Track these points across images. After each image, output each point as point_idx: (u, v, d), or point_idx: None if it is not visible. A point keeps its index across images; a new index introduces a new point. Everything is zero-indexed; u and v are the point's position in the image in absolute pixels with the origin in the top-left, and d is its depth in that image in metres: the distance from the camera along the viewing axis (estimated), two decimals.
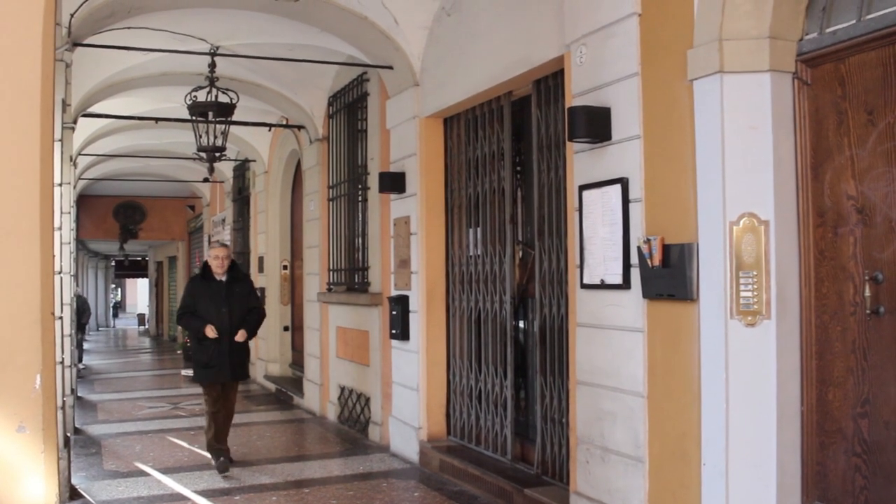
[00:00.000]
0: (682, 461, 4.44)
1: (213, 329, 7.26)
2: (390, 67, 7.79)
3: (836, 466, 4.05)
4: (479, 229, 7.05)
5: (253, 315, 7.64)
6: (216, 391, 7.53)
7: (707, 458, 4.27)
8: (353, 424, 9.20)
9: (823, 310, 4.12)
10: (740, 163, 4.15)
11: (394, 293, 7.95)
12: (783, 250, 4.14)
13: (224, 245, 7.90)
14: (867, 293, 3.86)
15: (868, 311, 3.86)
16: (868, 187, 3.89)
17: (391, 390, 8.11)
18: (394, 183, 7.71)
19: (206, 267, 7.64)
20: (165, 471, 7.49)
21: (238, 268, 7.86)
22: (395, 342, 7.94)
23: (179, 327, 18.27)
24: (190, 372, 14.76)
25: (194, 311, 7.46)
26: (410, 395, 7.67)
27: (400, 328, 7.68)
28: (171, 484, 7.01)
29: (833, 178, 4.06)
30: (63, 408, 6.64)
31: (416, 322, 7.55)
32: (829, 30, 4.10)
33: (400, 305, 7.69)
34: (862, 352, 3.92)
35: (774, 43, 4.16)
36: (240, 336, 7.33)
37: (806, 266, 4.18)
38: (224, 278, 7.54)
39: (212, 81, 8.57)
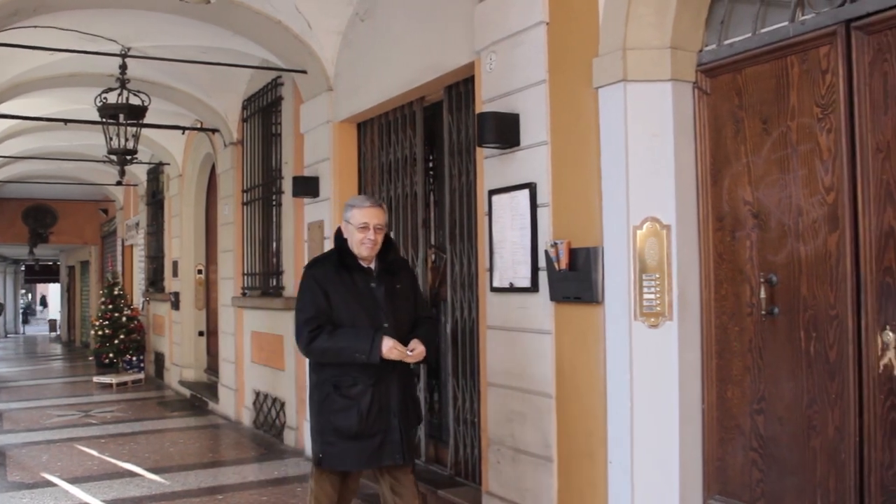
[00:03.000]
0: (589, 460, 4.54)
1: (397, 345, 4.06)
2: (304, 72, 7.76)
3: (735, 461, 4.20)
4: (391, 233, 7.06)
5: (426, 329, 4.38)
6: (355, 484, 4.42)
7: (613, 457, 4.38)
8: (269, 429, 9.12)
9: (722, 311, 4.27)
10: (643, 169, 4.27)
11: None
12: (684, 254, 4.27)
13: (380, 205, 4.34)
14: (762, 295, 4.01)
15: (763, 312, 4.02)
16: (763, 193, 4.05)
17: (306, 395, 8.05)
18: (307, 187, 7.68)
19: (341, 244, 4.27)
20: (74, 481, 7.30)
21: (395, 248, 4.56)
22: None
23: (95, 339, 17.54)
24: (106, 379, 14.37)
25: (331, 321, 4.14)
26: None
27: None
28: (80, 494, 6.84)
29: (731, 184, 4.21)
30: None
31: None
32: (726, 42, 4.25)
33: None
34: (758, 351, 4.08)
35: (675, 53, 4.29)
36: (415, 347, 4.11)
37: (706, 269, 4.32)
38: (374, 266, 4.31)
39: (122, 83, 8.43)
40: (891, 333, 3.46)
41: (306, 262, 7.87)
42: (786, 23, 3.92)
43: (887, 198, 3.50)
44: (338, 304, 4.13)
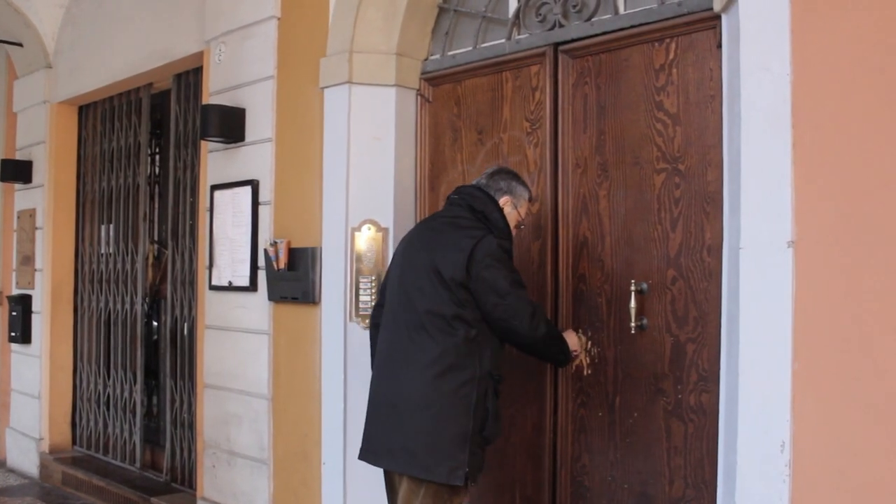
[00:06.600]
0: (304, 461, 4.51)
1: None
2: (20, 44, 7.16)
3: None
4: (112, 226, 6.70)
5: None
6: None
7: (327, 458, 4.38)
8: None
9: None
10: (364, 172, 4.31)
11: (15, 292, 7.32)
12: None
13: None
14: None
15: None
16: None
17: (9, 399, 7.44)
18: (18, 172, 7.09)
19: (502, 220, 3.39)
20: None
21: None
22: (14, 346, 7.30)
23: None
24: None
25: None
26: (31, 404, 7.08)
27: (20, 330, 7.06)
28: None
29: (447, 190, 4.29)
30: None
31: (40, 324, 6.99)
32: (450, 53, 4.40)
33: (21, 306, 7.08)
34: None
35: (401, 60, 4.38)
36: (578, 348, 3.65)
37: None
38: None
39: None
40: (582, 336, 3.71)
41: (15, 254, 7.36)
42: (503, 40, 4.12)
43: (583, 210, 3.75)
44: None
